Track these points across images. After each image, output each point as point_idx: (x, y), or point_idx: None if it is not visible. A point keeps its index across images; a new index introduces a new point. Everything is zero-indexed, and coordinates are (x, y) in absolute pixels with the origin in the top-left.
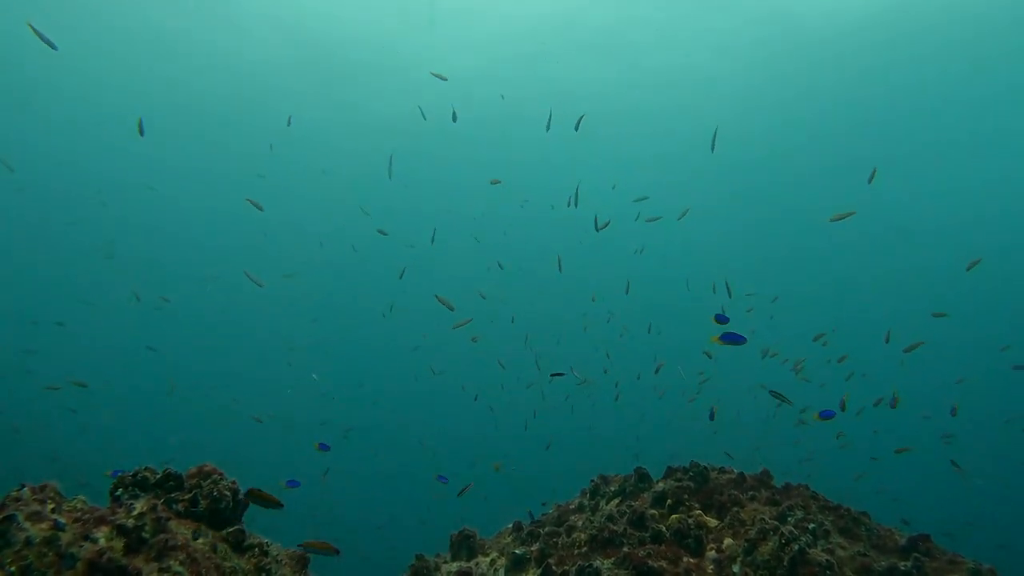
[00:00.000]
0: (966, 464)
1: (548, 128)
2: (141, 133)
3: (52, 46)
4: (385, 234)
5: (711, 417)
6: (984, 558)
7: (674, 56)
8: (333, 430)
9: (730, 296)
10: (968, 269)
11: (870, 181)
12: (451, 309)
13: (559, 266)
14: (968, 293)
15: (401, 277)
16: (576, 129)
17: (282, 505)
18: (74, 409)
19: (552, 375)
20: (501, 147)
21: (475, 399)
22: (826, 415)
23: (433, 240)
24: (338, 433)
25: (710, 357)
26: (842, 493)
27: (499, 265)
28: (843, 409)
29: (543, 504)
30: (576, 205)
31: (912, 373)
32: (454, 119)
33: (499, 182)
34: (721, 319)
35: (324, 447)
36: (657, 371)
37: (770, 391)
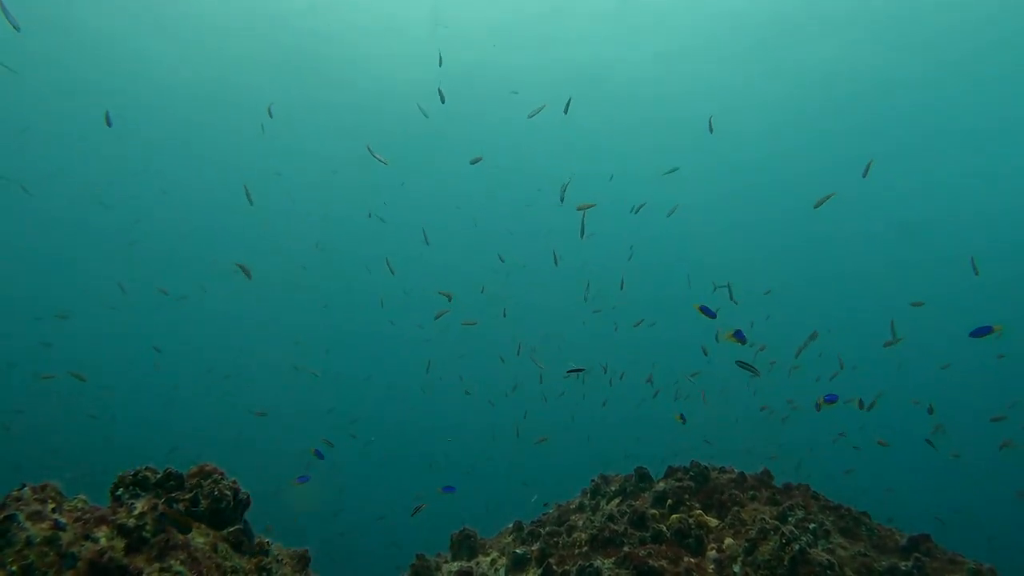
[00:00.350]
0: (962, 454)
1: (531, 116)
2: (108, 124)
3: (16, 27)
4: (382, 220)
5: (682, 420)
6: (977, 551)
7: (673, 42)
8: (340, 417)
9: (732, 298)
10: (976, 274)
11: (865, 175)
12: (448, 299)
13: (555, 260)
14: (966, 286)
15: (393, 272)
16: (565, 112)
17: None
18: (95, 415)
19: (569, 371)
20: (502, 138)
21: (466, 393)
22: (829, 399)
23: (427, 241)
24: (345, 422)
25: (706, 354)
26: (829, 486)
27: (500, 259)
28: (818, 409)
29: (544, 504)
30: (562, 201)
31: (910, 366)
32: (442, 100)
33: (480, 159)
34: (707, 312)
35: (319, 455)
36: (649, 379)
37: (737, 362)
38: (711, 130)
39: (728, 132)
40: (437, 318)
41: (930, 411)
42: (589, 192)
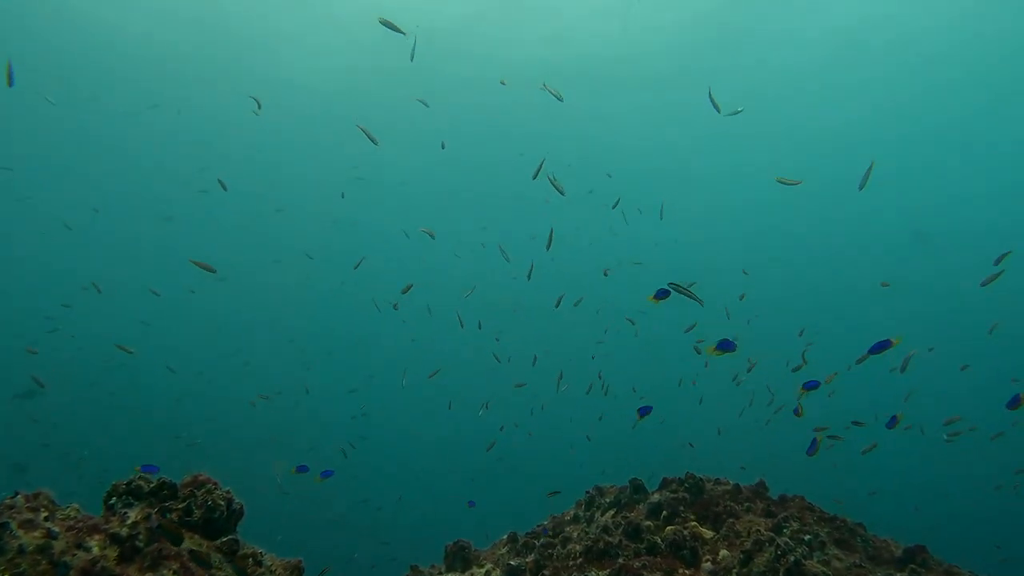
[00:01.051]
0: (963, 445)
1: (503, 82)
2: (9, 82)
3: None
4: (406, 235)
5: (639, 416)
6: (974, 561)
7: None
8: (352, 406)
9: (741, 298)
10: (983, 284)
11: (861, 188)
12: (404, 291)
13: (528, 275)
14: (972, 295)
15: (356, 267)
16: (559, 99)
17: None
18: (119, 434)
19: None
20: (502, 134)
21: (449, 407)
22: (810, 385)
23: (427, 234)
24: (349, 418)
25: (699, 352)
26: (816, 493)
27: (504, 253)
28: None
29: (551, 495)
30: (542, 178)
31: (913, 369)
32: (412, 49)
33: (444, 145)
34: (660, 294)
35: (302, 469)
36: (634, 390)
37: (671, 283)
38: (717, 109)
39: (732, 134)
40: (395, 308)
41: (897, 421)
42: (596, 190)
